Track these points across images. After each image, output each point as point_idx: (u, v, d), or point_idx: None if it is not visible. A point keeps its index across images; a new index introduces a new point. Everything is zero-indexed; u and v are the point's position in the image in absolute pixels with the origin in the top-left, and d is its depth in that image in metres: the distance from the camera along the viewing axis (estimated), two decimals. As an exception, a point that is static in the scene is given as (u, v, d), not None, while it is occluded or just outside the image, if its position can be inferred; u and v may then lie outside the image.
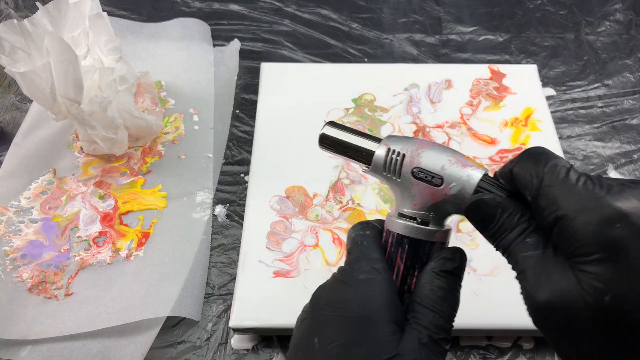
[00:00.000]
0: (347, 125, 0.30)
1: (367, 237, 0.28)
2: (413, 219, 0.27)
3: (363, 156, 0.29)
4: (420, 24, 0.68)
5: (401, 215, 0.28)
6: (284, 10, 0.70)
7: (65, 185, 0.52)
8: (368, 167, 0.29)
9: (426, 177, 0.27)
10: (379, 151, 0.28)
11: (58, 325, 0.43)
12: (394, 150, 0.27)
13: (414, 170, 0.27)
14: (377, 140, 0.29)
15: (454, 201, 0.26)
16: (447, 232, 0.28)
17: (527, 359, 0.43)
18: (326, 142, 0.30)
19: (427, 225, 0.27)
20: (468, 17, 0.69)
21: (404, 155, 0.27)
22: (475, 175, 0.26)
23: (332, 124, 0.30)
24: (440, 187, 0.26)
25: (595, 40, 0.66)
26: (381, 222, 0.29)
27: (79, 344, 0.43)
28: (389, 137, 0.28)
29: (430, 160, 0.27)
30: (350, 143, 0.29)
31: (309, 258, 0.45)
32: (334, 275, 0.28)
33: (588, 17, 0.69)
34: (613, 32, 0.67)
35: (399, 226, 0.27)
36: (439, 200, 0.27)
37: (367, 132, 0.34)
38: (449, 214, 0.28)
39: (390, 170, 0.28)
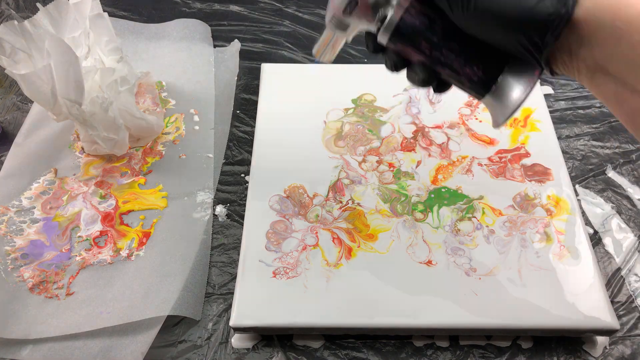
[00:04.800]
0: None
1: None
2: None
3: None
4: (420, 25, 0.69)
5: None
6: (284, 11, 0.70)
7: (66, 185, 0.53)
8: None
9: None
10: None
11: (59, 325, 0.44)
12: None
13: None
14: None
15: None
16: None
17: (525, 358, 0.43)
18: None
19: None
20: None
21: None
22: None
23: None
24: None
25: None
26: None
27: (80, 343, 0.43)
28: None
29: None
30: None
31: (309, 258, 0.46)
32: None
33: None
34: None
35: None
36: None
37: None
38: None
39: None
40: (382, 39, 0.33)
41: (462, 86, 0.34)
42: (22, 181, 0.53)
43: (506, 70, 0.32)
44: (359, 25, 0.35)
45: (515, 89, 0.31)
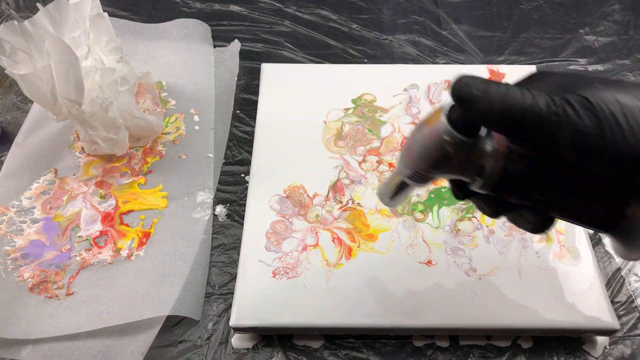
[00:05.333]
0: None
1: None
2: None
3: None
4: (420, 25, 0.69)
5: None
6: (284, 11, 0.70)
7: (66, 185, 0.53)
8: None
9: None
10: None
11: (59, 325, 0.44)
12: None
13: None
14: None
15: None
16: None
17: (525, 358, 0.43)
18: None
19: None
20: (467, 18, 0.69)
21: None
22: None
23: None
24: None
25: (594, 40, 0.66)
26: None
27: (80, 343, 0.43)
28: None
29: None
30: None
31: (309, 258, 0.46)
32: None
33: (586, 18, 0.69)
34: (611, 32, 0.67)
35: None
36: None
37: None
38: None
39: None
40: (482, 190, 0.30)
41: (582, 224, 0.29)
42: (22, 181, 0.53)
43: (635, 199, 0.27)
44: (446, 178, 0.32)
45: None
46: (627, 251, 0.29)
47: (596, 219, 0.28)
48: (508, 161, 0.28)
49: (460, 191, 0.33)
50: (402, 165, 0.32)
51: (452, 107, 0.28)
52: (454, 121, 0.28)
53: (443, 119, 0.28)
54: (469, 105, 0.27)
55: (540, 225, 0.30)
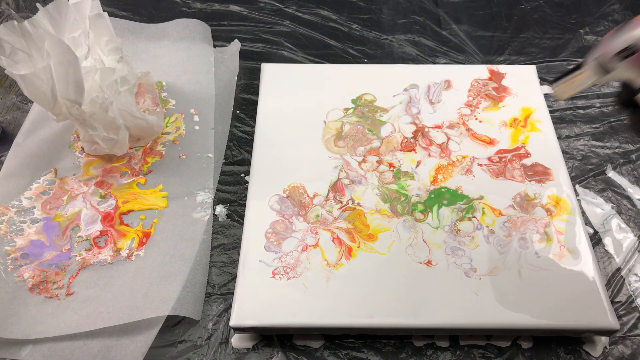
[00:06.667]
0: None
1: None
2: None
3: None
4: (420, 25, 0.69)
5: None
6: (284, 11, 0.70)
7: (66, 185, 0.53)
8: None
9: None
10: None
11: (59, 325, 0.44)
12: None
13: None
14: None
15: None
16: None
17: (525, 358, 0.43)
18: None
19: None
20: (467, 18, 0.69)
21: None
22: None
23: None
24: None
25: (594, 40, 0.66)
26: None
27: (80, 343, 0.43)
28: None
29: None
30: None
31: (309, 258, 0.46)
32: None
33: (586, 18, 0.69)
34: (612, 32, 0.67)
35: None
36: None
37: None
38: None
39: None
40: None
41: None
42: (22, 181, 0.53)
43: None
44: (623, 75, 0.34)
45: None
46: None
47: None
48: None
49: (628, 97, 0.34)
50: (594, 49, 0.35)
51: None
52: None
53: None
54: None
55: None
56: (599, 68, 0.34)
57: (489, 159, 0.53)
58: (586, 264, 0.45)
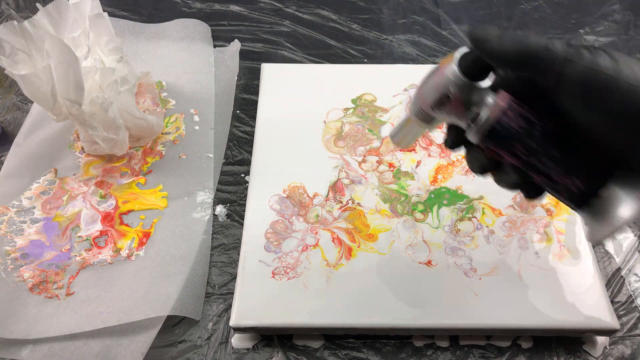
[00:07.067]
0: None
1: None
2: None
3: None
4: (420, 25, 0.69)
5: None
6: (284, 11, 0.70)
7: (66, 185, 0.53)
8: None
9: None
10: None
11: (59, 325, 0.44)
12: None
13: None
14: None
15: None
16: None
17: (525, 358, 0.43)
18: None
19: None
20: (467, 18, 0.69)
21: None
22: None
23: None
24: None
25: (594, 40, 0.66)
26: None
27: (80, 343, 0.43)
28: None
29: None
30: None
31: (309, 258, 0.46)
32: None
33: (586, 18, 0.69)
34: (611, 32, 0.67)
35: None
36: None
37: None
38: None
39: None
40: (473, 139, 0.31)
41: (558, 195, 0.31)
42: (22, 181, 0.53)
43: (612, 182, 0.28)
44: (447, 120, 0.33)
45: (624, 206, 0.27)
46: (592, 232, 0.30)
47: (572, 192, 0.30)
48: (504, 115, 0.30)
49: (454, 139, 0.34)
50: (412, 101, 0.34)
51: (465, 53, 0.31)
52: (462, 64, 0.30)
53: (453, 61, 0.31)
54: (484, 44, 0.28)
55: (519, 184, 0.32)
56: (424, 120, 0.34)
57: (489, 159, 0.53)
58: (586, 264, 0.45)
